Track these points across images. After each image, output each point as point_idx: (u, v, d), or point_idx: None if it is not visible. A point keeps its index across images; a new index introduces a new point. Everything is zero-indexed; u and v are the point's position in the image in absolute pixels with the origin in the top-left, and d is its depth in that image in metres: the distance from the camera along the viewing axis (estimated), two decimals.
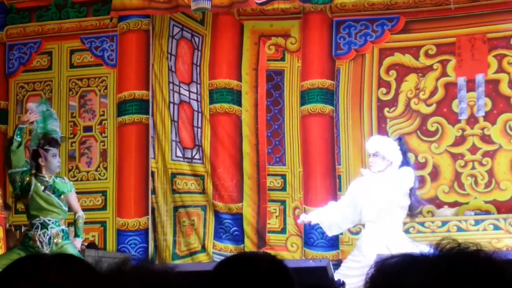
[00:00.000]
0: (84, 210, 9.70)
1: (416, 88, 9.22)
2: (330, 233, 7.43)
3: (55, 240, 6.74)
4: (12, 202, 9.34)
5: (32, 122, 6.90)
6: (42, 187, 6.78)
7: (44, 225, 6.75)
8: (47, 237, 6.73)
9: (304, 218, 7.34)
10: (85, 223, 9.41)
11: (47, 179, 6.82)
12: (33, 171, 6.86)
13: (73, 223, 7.09)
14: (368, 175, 6.93)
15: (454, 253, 1.39)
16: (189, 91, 9.70)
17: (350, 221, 7.22)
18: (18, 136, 6.73)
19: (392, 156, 6.81)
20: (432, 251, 1.41)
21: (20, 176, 6.77)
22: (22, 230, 8.71)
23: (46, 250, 6.64)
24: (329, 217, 7.16)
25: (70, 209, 7.05)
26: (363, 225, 7.20)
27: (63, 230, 6.83)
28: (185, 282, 1.53)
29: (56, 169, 6.87)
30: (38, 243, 6.71)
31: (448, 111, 9.11)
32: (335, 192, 9.03)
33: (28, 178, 6.78)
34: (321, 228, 8.98)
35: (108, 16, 9.68)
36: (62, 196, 6.83)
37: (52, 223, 6.77)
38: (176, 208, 9.50)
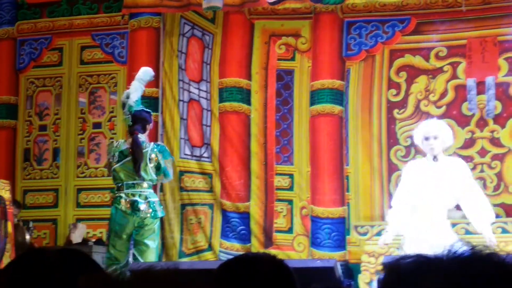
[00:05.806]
0: (92, 206, 9.72)
1: (426, 90, 9.20)
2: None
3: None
4: (21, 199, 9.37)
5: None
6: None
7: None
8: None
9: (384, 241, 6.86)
10: (93, 219, 9.45)
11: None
12: None
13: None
14: (425, 161, 6.79)
15: (468, 256, 1.39)
16: (199, 89, 9.70)
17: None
18: None
19: (450, 140, 6.72)
20: (445, 252, 1.42)
21: None
22: (30, 225, 8.74)
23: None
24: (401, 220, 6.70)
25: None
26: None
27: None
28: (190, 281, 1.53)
29: None
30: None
31: (458, 113, 9.09)
32: (343, 193, 9.02)
33: None
34: (328, 228, 9.00)
35: (119, 13, 9.70)
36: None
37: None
38: (183, 206, 9.50)
